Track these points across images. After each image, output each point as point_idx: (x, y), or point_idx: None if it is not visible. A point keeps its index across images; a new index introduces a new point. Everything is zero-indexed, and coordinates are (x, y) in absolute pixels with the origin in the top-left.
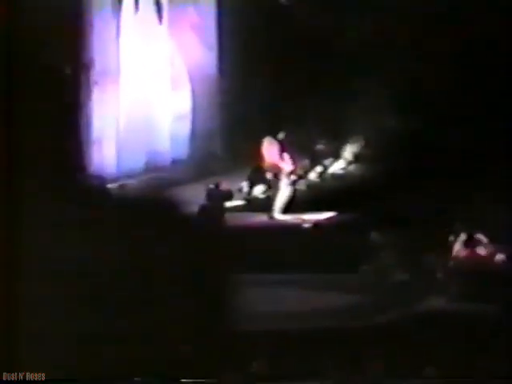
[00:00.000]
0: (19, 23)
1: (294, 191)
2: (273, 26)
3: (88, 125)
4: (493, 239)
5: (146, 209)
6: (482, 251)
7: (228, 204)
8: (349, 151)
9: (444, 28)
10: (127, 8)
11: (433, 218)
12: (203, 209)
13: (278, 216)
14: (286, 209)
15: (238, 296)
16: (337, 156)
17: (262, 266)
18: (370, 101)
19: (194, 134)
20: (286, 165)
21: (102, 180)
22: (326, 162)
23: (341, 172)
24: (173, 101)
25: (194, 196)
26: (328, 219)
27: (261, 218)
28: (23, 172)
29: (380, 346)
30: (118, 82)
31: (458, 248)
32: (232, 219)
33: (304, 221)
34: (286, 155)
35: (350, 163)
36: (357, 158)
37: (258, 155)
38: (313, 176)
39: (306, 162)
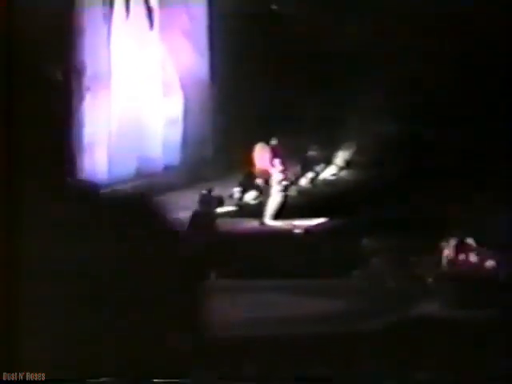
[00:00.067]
0: (19, 22)
1: (286, 197)
2: (265, 32)
3: (80, 130)
4: (485, 244)
5: (138, 214)
6: (473, 256)
7: (219, 210)
8: (340, 157)
9: (437, 31)
10: (118, 13)
11: (425, 223)
12: (196, 214)
13: (269, 222)
14: (278, 215)
15: (227, 302)
16: (328, 162)
17: (253, 271)
18: (362, 107)
19: (185, 139)
20: (278, 171)
21: (93, 185)
22: (318, 168)
23: (332, 178)
24: (164, 106)
25: (185, 201)
26: (319, 225)
27: (252, 223)
28: (23, 172)
29: (373, 352)
30: (110, 87)
31: (449, 253)
32: (223, 225)
33: (295, 227)
34: (277, 161)
35: (341, 169)
36: (348, 164)
37: (250, 161)
38: (304, 182)
39: (298, 168)
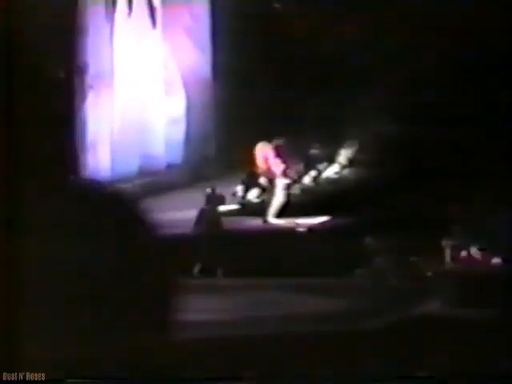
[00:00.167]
0: (20, 21)
1: (289, 195)
2: (267, 30)
3: (83, 129)
4: (485, 244)
5: (140, 212)
6: (474, 256)
7: (222, 208)
8: (343, 155)
9: (437, 31)
10: (120, 12)
11: (428, 222)
12: (202, 213)
13: (273, 220)
14: (281, 213)
15: (230, 300)
16: (331, 160)
17: (256, 269)
18: (364, 105)
19: (188, 137)
20: (281, 169)
21: (95, 183)
22: (321, 166)
23: (335, 176)
24: (167, 105)
25: (188, 200)
26: (322, 223)
27: (255, 222)
28: (23, 172)
29: (374, 351)
30: (112, 85)
31: (452, 252)
32: (227, 223)
33: (298, 225)
34: (280, 160)
35: (344, 167)
36: (351, 163)
37: (252, 159)
38: (307, 180)
39: (301, 166)
